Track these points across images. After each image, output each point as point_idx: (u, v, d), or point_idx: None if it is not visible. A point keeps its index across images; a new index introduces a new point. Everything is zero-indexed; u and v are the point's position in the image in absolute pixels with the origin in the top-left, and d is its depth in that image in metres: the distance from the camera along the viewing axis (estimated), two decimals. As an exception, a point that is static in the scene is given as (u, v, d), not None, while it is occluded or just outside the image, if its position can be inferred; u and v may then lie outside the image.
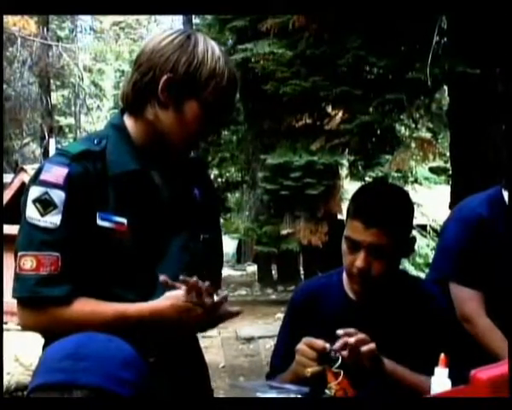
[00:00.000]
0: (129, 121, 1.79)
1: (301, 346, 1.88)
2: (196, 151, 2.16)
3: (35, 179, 1.70)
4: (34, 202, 1.67)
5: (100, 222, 1.69)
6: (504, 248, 2.53)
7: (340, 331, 1.85)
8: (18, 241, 1.69)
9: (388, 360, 1.91)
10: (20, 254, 1.67)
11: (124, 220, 1.71)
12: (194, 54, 1.70)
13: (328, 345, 1.83)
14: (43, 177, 1.69)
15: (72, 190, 1.67)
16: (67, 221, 1.66)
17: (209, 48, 1.72)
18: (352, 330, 1.86)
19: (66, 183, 1.67)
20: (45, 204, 1.67)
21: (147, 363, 1.24)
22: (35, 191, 1.68)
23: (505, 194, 2.60)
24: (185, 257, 1.80)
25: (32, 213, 1.67)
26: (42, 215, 1.66)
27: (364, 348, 1.83)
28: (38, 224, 1.66)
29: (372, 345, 1.85)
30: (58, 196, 1.67)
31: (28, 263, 1.65)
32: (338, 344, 1.82)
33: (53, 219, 1.66)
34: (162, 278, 1.68)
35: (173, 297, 1.68)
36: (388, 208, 1.96)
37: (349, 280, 2.02)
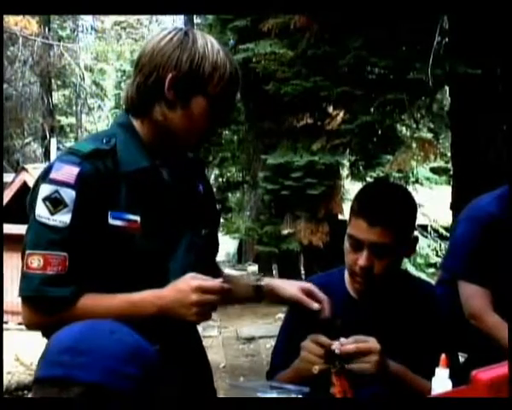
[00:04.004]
0: (136, 121, 1.79)
1: (308, 343, 1.87)
2: (197, 150, 2.17)
3: (45, 177, 1.69)
4: (44, 200, 1.66)
5: (112, 221, 1.69)
6: None
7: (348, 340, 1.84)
8: (26, 239, 1.68)
9: (392, 361, 1.90)
10: (27, 252, 1.66)
11: (137, 218, 1.71)
12: (195, 50, 1.71)
13: (335, 343, 1.83)
14: (53, 175, 1.67)
15: (83, 190, 1.66)
16: (77, 221, 1.66)
17: (208, 42, 1.73)
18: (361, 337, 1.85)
19: (78, 182, 1.66)
20: (55, 203, 1.66)
21: (155, 351, 1.21)
22: (45, 189, 1.67)
23: None
24: (191, 254, 1.81)
25: (41, 211, 1.66)
26: (51, 214, 1.65)
27: (372, 358, 1.82)
28: (48, 222, 1.65)
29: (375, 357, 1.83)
30: (68, 194, 1.66)
31: (35, 262, 1.64)
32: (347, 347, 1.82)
33: (62, 218, 1.65)
34: None
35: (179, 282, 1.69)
36: (392, 208, 1.96)
37: (351, 279, 2.02)
